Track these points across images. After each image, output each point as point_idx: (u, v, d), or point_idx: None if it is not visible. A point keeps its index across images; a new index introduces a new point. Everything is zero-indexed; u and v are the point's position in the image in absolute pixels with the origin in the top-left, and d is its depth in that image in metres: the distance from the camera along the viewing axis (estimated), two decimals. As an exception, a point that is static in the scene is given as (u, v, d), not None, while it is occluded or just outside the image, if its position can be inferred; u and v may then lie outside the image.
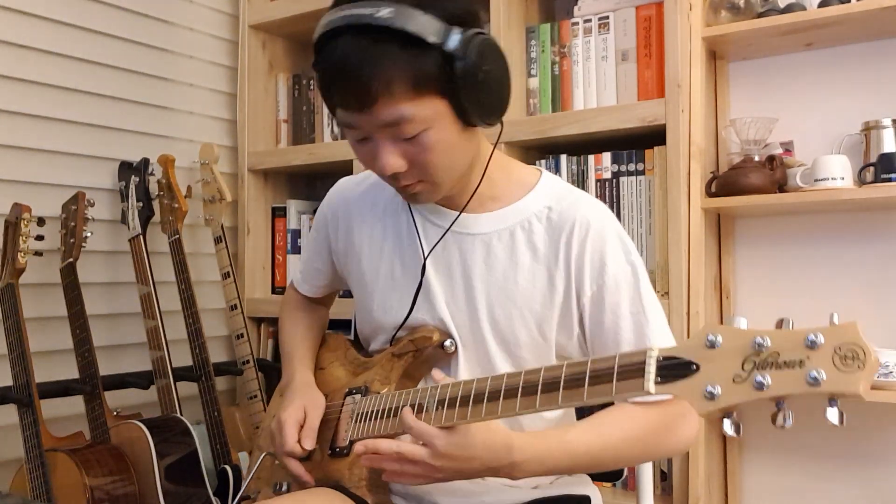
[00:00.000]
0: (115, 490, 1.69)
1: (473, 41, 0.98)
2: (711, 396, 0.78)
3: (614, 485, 1.80)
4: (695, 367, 0.80)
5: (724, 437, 1.95)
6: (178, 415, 1.90)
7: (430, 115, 1.00)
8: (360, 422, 1.14)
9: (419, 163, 1.04)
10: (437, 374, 1.07)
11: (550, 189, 1.17)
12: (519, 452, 0.98)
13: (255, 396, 2.16)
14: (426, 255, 1.17)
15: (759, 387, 0.75)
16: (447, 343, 1.15)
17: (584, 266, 1.11)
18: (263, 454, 1.33)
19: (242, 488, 1.31)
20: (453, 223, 1.16)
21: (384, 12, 0.95)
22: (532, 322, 1.13)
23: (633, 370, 0.85)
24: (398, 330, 1.20)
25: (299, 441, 1.17)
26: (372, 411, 1.13)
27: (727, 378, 0.78)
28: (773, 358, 0.76)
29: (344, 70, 0.98)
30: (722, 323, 2.08)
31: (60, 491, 1.64)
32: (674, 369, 0.82)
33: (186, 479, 1.79)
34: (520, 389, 0.94)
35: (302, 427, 1.19)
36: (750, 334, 0.78)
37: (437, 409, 1.00)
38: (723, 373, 0.78)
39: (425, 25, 0.96)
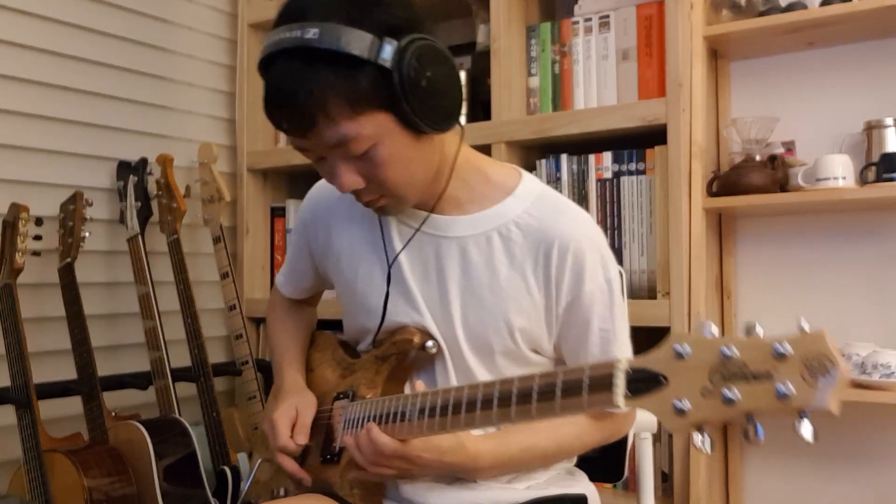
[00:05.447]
0: (113, 491, 1.68)
1: (408, 50, 0.96)
2: (681, 412, 0.73)
3: (615, 486, 1.79)
4: (663, 379, 0.75)
5: (725, 438, 1.94)
6: (177, 415, 1.89)
7: (375, 131, 0.99)
8: (349, 429, 1.15)
9: (375, 179, 1.03)
10: (418, 384, 1.08)
11: (530, 193, 1.15)
12: (483, 460, 1.05)
13: (254, 397, 2.15)
14: (391, 262, 1.16)
15: (728, 401, 0.70)
16: (429, 344, 1.14)
17: (562, 280, 1.11)
18: (259, 460, 1.33)
19: (241, 496, 1.32)
20: (422, 224, 1.15)
21: (311, 33, 0.94)
22: (505, 330, 1.12)
23: (602, 383, 0.82)
24: (378, 332, 1.19)
25: (293, 437, 1.17)
26: (358, 418, 1.13)
27: (695, 391, 0.72)
28: (739, 369, 0.70)
29: (279, 96, 0.98)
30: (723, 325, 2.07)
31: (59, 492, 1.64)
32: (643, 382, 0.77)
33: (185, 480, 1.78)
34: (495, 400, 0.93)
35: (294, 424, 1.19)
36: (716, 343, 0.72)
37: (418, 417, 1.00)
38: (691, 386, 0.73)
39: (355, 41, 0.94)
